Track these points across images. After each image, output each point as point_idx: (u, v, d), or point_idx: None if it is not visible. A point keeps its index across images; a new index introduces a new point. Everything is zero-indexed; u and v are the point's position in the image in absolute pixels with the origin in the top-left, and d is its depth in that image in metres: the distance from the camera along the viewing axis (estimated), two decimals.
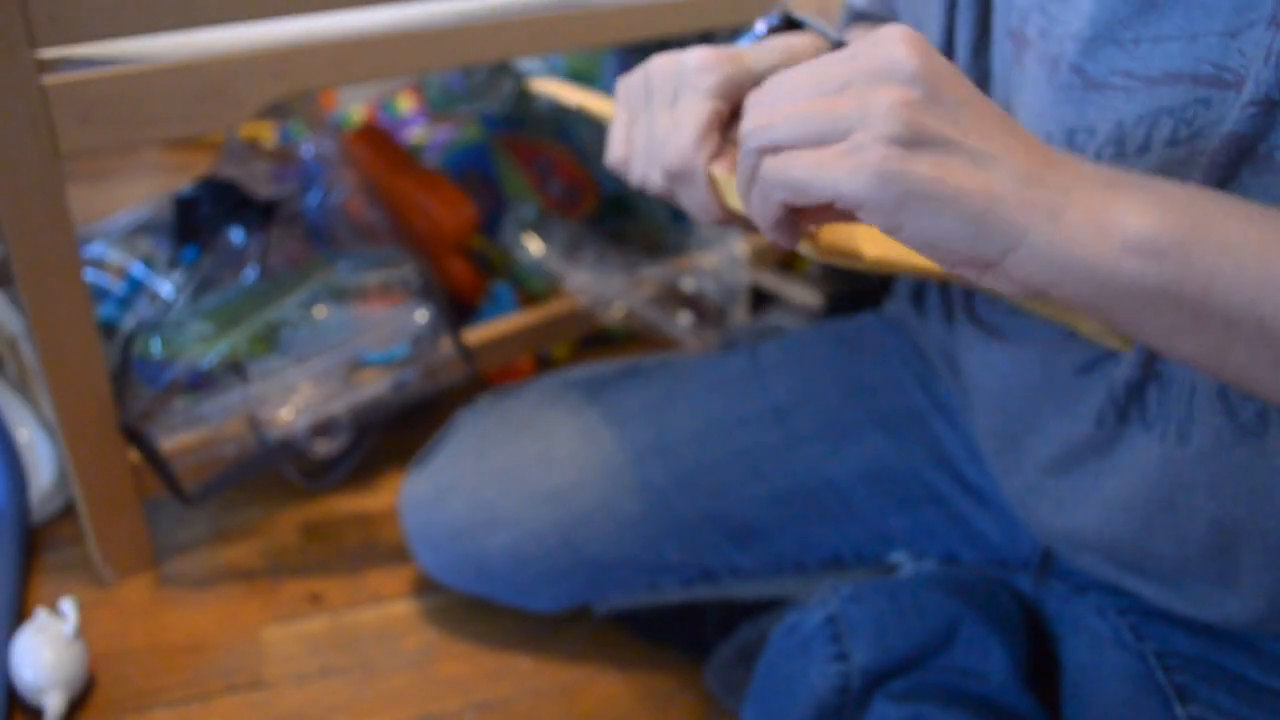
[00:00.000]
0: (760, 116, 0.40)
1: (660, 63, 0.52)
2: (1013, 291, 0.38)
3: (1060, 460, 0.56)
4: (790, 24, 0.58)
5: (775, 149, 0.40)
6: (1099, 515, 0.55)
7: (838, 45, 0.56)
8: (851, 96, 0.38)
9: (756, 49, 0.53)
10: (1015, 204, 0.36)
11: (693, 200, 0.50)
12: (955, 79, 0.38)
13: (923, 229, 0.37)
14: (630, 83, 0.54)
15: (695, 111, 0.49)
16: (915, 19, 0.62)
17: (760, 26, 0.58)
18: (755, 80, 0.51)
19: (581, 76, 1.29)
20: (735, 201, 0.48)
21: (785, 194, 0.40)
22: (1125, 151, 0.47)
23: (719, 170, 0.49)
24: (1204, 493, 0.49)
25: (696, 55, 0.50)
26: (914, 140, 0.36)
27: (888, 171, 0.36)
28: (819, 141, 0.38)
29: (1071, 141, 0.49)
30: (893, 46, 0.38)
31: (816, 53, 0.55)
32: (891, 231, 0.38)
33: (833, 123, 0.38)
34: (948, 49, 0.59)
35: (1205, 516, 0.50)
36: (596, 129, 1.17)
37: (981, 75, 0.56)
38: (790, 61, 0.52)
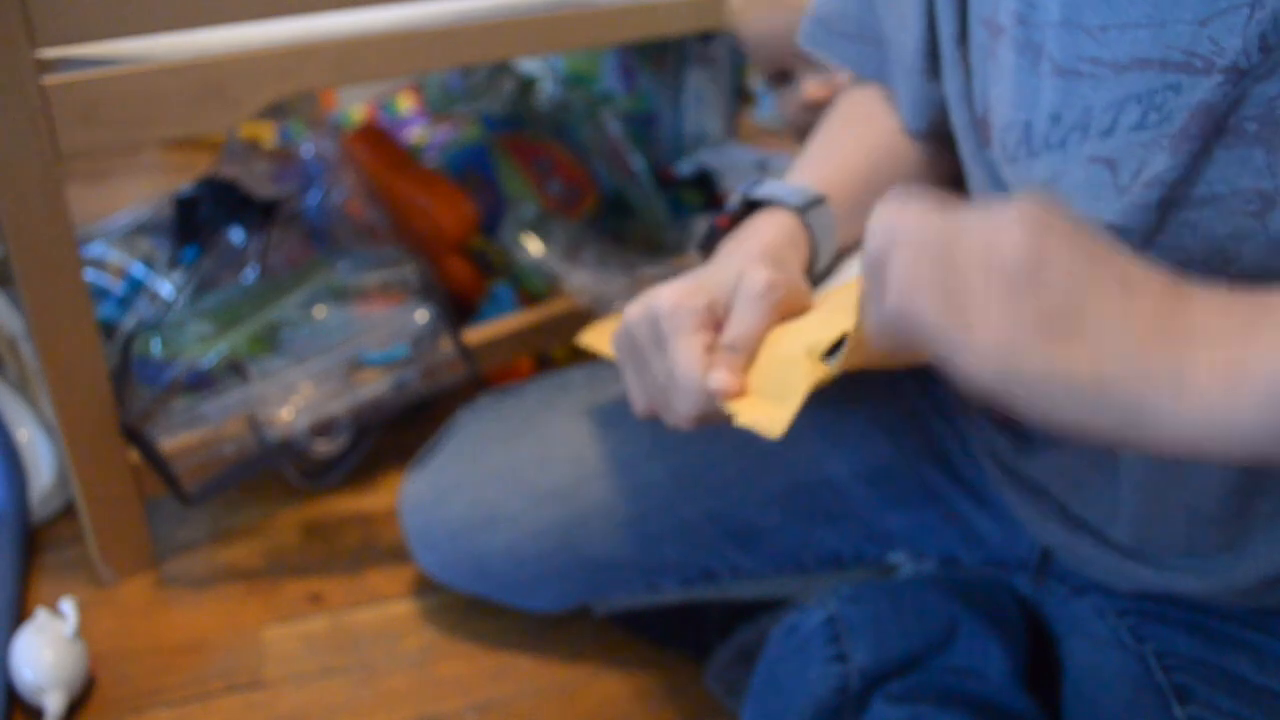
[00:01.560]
0: (891, 272, 0.40)
1: (633, 311, 0.54)
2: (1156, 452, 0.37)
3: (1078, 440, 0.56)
4: (751, 205, 0.60)
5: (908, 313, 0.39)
6: (1116, 494, 0.55)
7: (804, 208, 0.58)
8: (969, 285, 0.37)
9: (716, 273, 0.55)
10: (1129, 377, 0.34)
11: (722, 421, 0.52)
12: (1067, 256, 0.36)
13: (1039, 411, 0.36)
14: (619, 338, 0.57)
15: (685, 355, 0.51)
16: (896, 14, 0.62)
17: (733, 201, 0.60)
18: (725, 304, 0.53)
19: (581, 76, 1.29)
20: (755, 417, 0.50)
21: (914, 347, 0.39)
22: (1089, 135, 0.47)
23: (729, 396, 0.51)
24: (1190, 477, 0.50)
25: (664, 297, 0.52)
26: (1022, 332, 0.36)
27: (1002, 369, 0.36)
28: (944, 309, 0.38)
29: (1049, 125, 0.49)
30: (1006, 234, 0.36)
31: (782, 234, 0.57)
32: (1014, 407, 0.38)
33: (958, 310, 0.37)
34: (930, 43, 0.60)
35: (1217, 480, 0.50)
36: (596, 128, 1.17)
37: (965, 67, 0.57)
38: (749, 273, 0.53)
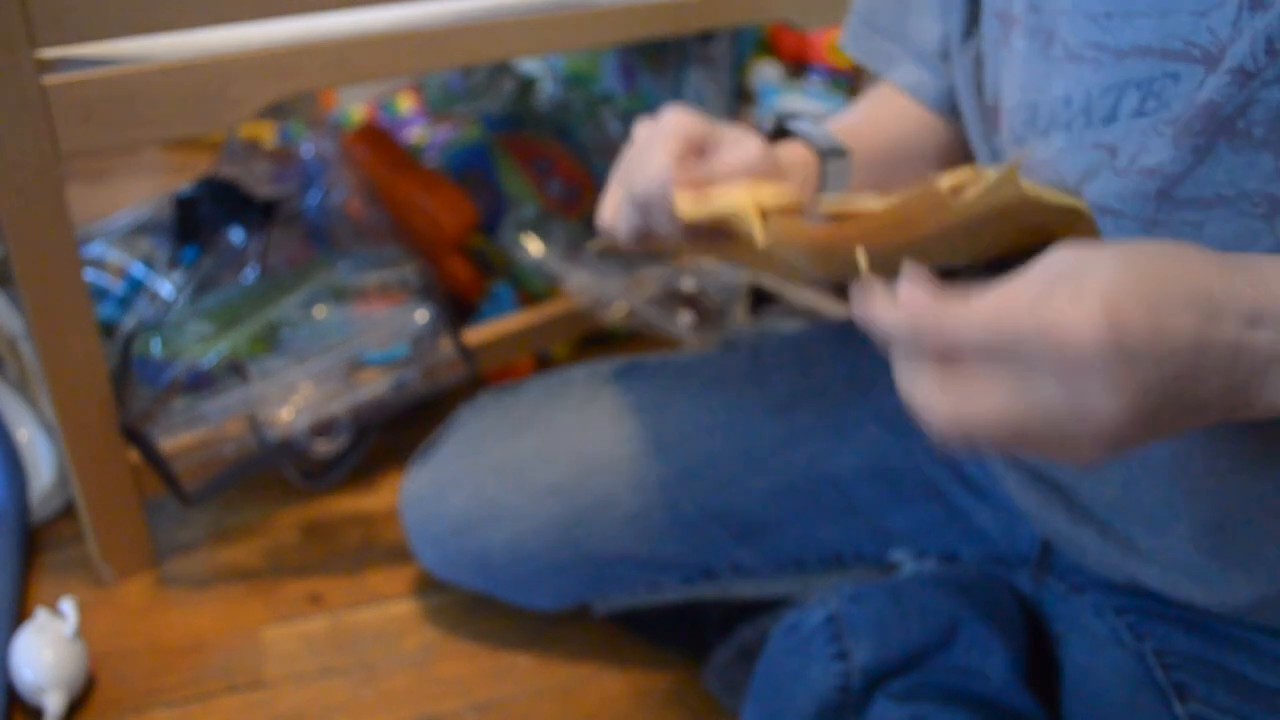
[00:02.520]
0: (950, 410, 0.37)
1: (640, 127, 0.59)
2: None
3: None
4: (782, 132, 0.63)
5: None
6: (1111, 491, 0.55)
7: (826, 153, 0.61)
8: (1051, 425, 0.36)
9: (726, 133, 0.59)
10: (1216, 410, 0.37)
11: (659, 222, 0.56)
12: (1145, 335, 0.34)
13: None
14: (622, 157, 0.60)
15: (659, 147, 0.55)
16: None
17: (766, 123, 0.64)
18: (720, 136, 0.57)
19: (581, 76, 1.29)
20: (692, 211, 0.54)
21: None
22: (1092, 121, 0.48)
23: (678, 183, 0.54)
24: (1200, 461, 0.50)
25: (675, 110, 0.57)
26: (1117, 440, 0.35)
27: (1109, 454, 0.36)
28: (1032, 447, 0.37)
29: (1060, 107, 0.51)
30: (1076, 348, 0.34)
31: (796, 164, 0.61)
32: None
33: (1041, 449, 0.37)
34: (944, 38, 0.62)
35: (1207, 488, 0.51)
36: (596, 128, 1.17)
37: (975, 57, 0.59)
38: (765, 165, 0.57)
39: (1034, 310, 0.35)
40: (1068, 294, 0.35)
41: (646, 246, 0.61)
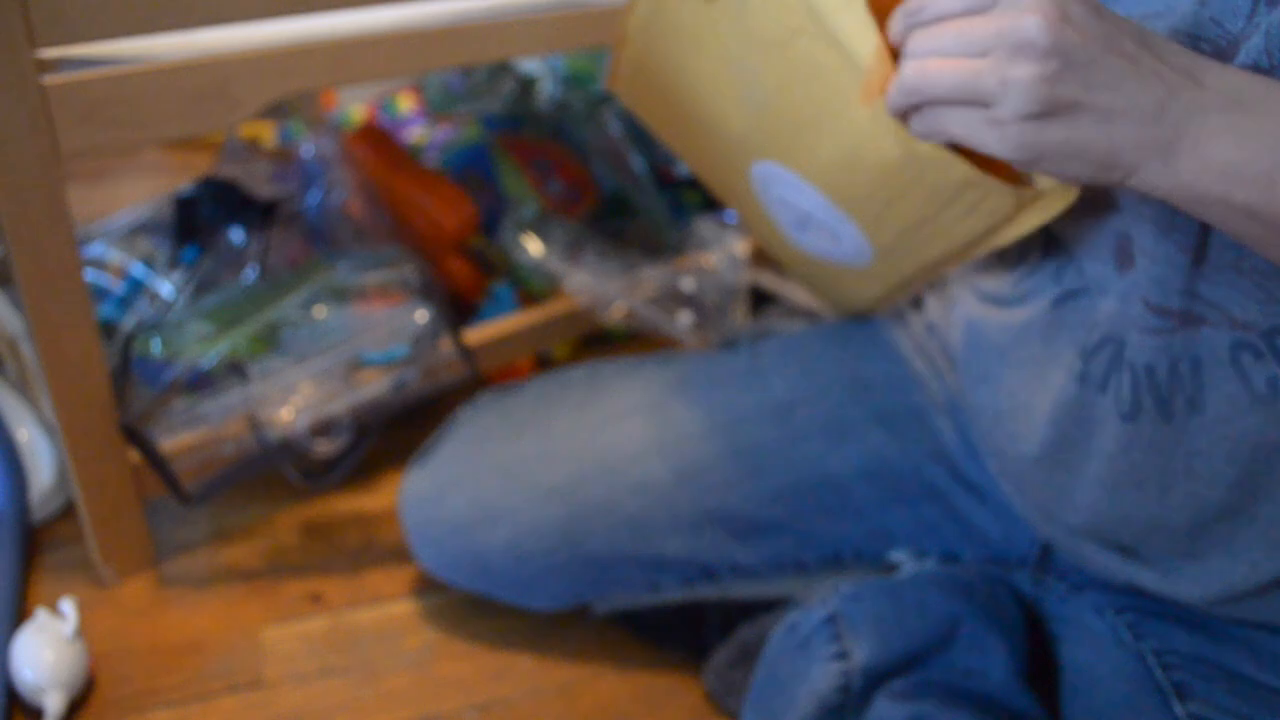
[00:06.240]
0: (915, 69, 0.45)
1: None
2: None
3: (1054, 429, 0.56)
4: None
5: (929, 103, 0.45)
6: (1100, 490, 0.55)
7: None
8: (993, 67, 0.42)
9: None
10: (1133, 148, 0.42)
11: None
12: (1086, 37, 0.41)
13: (1054, 173, 0.44)
14: None
15: None
16: None
17: None
18: None
19: (581, 76, 1.29)
20: None
21: (942, 139, 0.47)
22: None
23: None
24: (1223, 459, 0.50)
25: None
26: (1047, 112, 0.42)
27: (1025, 143, 0.43)
28: (967, 102, 0.44)
29: None
30: (1028, 18, 0.41)
31: None
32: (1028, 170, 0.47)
33: (977, 92, 0.43)
34: None
35: (1224, 480, 0.51)
36: (596, 128, 1.17)
37: None
38: None
39: None
40: None
41: None
